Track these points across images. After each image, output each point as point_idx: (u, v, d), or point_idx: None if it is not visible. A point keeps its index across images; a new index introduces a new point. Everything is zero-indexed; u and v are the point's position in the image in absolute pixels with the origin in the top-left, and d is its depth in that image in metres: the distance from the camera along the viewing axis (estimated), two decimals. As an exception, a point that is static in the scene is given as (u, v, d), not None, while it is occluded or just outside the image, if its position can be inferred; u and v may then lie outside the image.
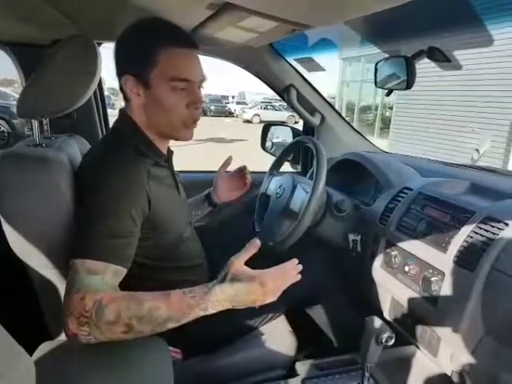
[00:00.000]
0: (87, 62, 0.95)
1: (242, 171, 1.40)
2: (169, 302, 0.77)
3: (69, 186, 0.84)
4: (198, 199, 1.40)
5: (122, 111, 1.00)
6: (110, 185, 0.83)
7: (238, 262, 0.82)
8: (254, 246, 0.85)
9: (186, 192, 1.17)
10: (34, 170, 0.81)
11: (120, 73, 0.93)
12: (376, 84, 1.40)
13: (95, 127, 1.66)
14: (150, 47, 0.89)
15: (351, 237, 1.30)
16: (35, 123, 0.93)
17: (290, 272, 0.86)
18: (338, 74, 16.13)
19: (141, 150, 0.94)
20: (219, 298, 0.79)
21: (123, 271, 0.82)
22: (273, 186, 1.48)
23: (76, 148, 1.09)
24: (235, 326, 1.15)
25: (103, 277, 0.77)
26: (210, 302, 0.78)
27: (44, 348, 0.80)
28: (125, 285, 0.84)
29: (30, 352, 0.69)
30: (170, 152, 1.10)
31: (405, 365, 1.16)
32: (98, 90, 1.68)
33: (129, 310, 0.74)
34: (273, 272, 0.84)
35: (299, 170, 1.95)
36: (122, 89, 0.96)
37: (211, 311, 0.80)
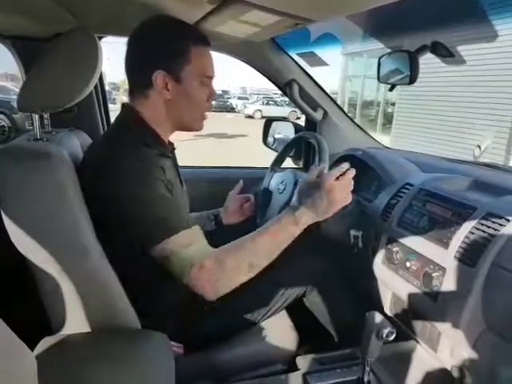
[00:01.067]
0: (88, 56, 0.94)
1: (247, 200, 1.43)
2: (265, 231, 0.93)
3: (70, 181, 0.84)
4: (204, 216, 1.42)
5: (126, 106, 1.01)
6: (137, 173, 0.87)
7: (306, 179, 1.00)
8: (340, 170, 0.99)
9: (188, 186, 1.17)
10: (35, 165, 0.81)
11: (149, 68, 0.95)
12: (379, 79, 1.39)
13: (96, 122, 1.65)
14: (183, 44, 0.95)
15: (352, 233, 1.30)
16: (36, 117, 0.92)
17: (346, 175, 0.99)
18: (341, 69, 16.07)
19: (146, 142, 0.95)
20: (301, 210, 0.94)
21: (199, 228, 0.93)
22: (274, 181, 1.48)
23: (77, 142, 1.09)
24: (236, 320, 1.15)
25: (197, 241, 0.89)
26: (295, 216, 0.93)
27: (45, 343, 0.80)
28: (131, 284, 0.86)
29: (32, 347, 0.69)
30: (172, 144, 1.12)
31: (405, 360, 1.16)
32: (98, 85, 1.68)
33: (242, 253, 0.90)
34: (331, 174, 0.97)
35: (301, 165, 1.95)
36: (139, 84, 0.98)
37: (301, 225, 0.94)
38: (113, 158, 0.89)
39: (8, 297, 1.14)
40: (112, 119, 1.66)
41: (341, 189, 0.96)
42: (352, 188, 1.00)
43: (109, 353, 0.78)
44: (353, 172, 1.00)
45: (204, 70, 0.99)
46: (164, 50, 0.95)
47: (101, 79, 1.70)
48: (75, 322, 0.89)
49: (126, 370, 0.76)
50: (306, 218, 0.94)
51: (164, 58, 0.95)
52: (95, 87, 1.64)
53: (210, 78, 1.02)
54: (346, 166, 1.02)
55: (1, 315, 0.41)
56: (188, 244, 0.86)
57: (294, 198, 1.00)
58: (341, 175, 0.98)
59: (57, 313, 0.90)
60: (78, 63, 0.93)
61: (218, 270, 0.86)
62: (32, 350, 0.51)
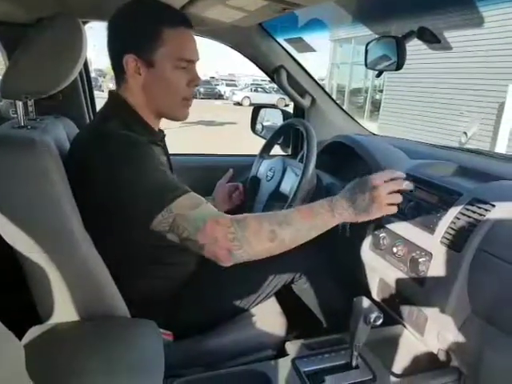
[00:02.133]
0: (72, 42, 0.92)
1: (236, 188, 1.42)
2: (299, 209, 0.89)
3: (56, 168, 0.83)
4: None
5: (112, 93, 0.99)
6: (125, 156, 0.84)
7: (375, 178, 0.94)
8: (393, 173, 0.96)
9: (178, 174, 1.17)
10: (19, 152, 0.80)
11: (119, 52, 0.92)
12: (366, 65, 1.39)
13: (81, 109, 1.62)
14: (156, 26, 0.91)
15: (340, 219, 1.30)
16: (20, 104, 0.90)
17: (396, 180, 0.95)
18: (329, 55, 16.01)
19: (134, 129, 0.93)
20: (340, 201, 0.91)
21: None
22: (263, 169, 1.48)
23: (62, 130, 1.07)
24: (226, 307, 1.16)
25: (204, 204, 0.83)
26: (335, 207, 0.90)
27: (33, 332, 0.80)
28: (119, 272, 0.86)
29: (20, 337, 0.69)
30: (162, 132, 1.10)
31: (392, 344, 1.18)
32: (83, 71, 1.64)
33: (267, 218, 0.85)
34: (381, 176, 0.95)
35: (289, 153, 1.95)
36: (116, 69, 0.95)
37: (337, 216, 0.90)
38: (99, 144, 0.87)
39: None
40: (98, 106, 1.64)
41: (386, 192, 0.92)
42: (401, 200, 0.96)
43: (97, 341, 0.78)
44: (409, 185, 0.97)
45: (180, 53, 0.94)
46: (134, 32, 0.92)
47: (86, 65, 1.66)
48: (63, 311, 0.89)
49: (115, 357, 0.76)
50: (342, 209, 0.90)
51: (134, 41, 0.92)
52: (80, 74, 1.61)
53: (190, 61, 0.96)
54: (401, 174, 0.98)
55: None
56: (194, 206, 0.81)
57: (343, 192, 0.95)
58: (392, 180, 0.95)
59: (45, 302, 0.89)
60: (62, 49, 0.91)
61: (236, 228, 0.80)
62: (20, 340, 0.51)
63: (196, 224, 0.79)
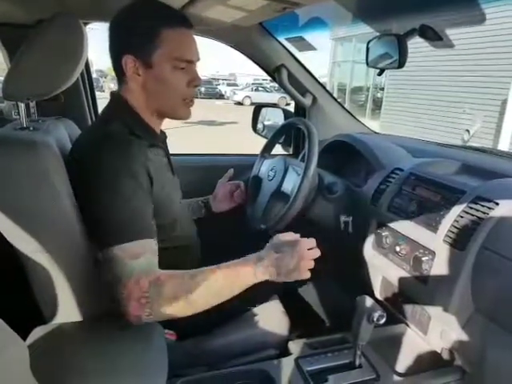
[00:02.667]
0: (73, 43, 0.92)
1: (237, 187, 1.42)
2: (219, 272, 0.84)
3: (57, 169, 0.83)
4: (195, 204, 1.41)
5: (114, 94, 0.99)
6: (118, 169, 0.84)
7: (281, 235, 0.92)
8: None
9: (179, 175, 1.17)
10: (21, 154, 0.80)
11: (118, 53, 0.92)
12: (367, 63, 1.39)
13: (83, 110, 1.62)
14: (154, 27, 0.90)
15: (343, 218, 1.30)
16: (22, 106, 0.90)
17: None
18: (330, 54, 15.99)
19: (136, 133, 0.93)
20: (265, 263, 0.86)
21: (156, 244, 0.86)
22: (264, 168, 1.48)
23: (64, 131, 1.07)
24: (229, 307, 1.15)
25: (146, 256, 0.80)
26: (257, 267, 0.86)
27: (37, 332, 0.80)
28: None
29: (24, 337, 0.69)
30: (164, 134, 1.10)
31: (396, 343, 1.18)
32: (85, 72, 1.65)
33: (185, 284, 0.81)
34: (307, 242, 0.91)
35: (291, 152, 1.94)
36: (116, 70, 0.95)
37: (260, 277, 0.87)
38: (95, 150, 0.86)
39: (-2, 288, 1.13)
40: (100, 107, 1.64)
41: (310, 259, 0.91)
42: (312, 266, 0.92)
43: (101, 341, 0.78)
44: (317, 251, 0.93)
45: (178, 53, 0.93)
46: (133, 33, 0.91)
47: (87, 66, 1.67)
48: (67, 312, 0.89)
49: (118, 358, 0.76)
50: (266, 273, 0.87)
51: (132, 42, 0.91)
52: (81, 75, 1.62)
53: (189, 61, 0.95)
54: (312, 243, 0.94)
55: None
56: (137, 255, 0.79)
57: (264, 248, 0.91)
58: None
59: (48, 302, 0.90)
60: (63, 50, 0.91)
61: (152, 293, 0.78)
62: (24, 340, 0.51)
63: (122, 276, 0.78)
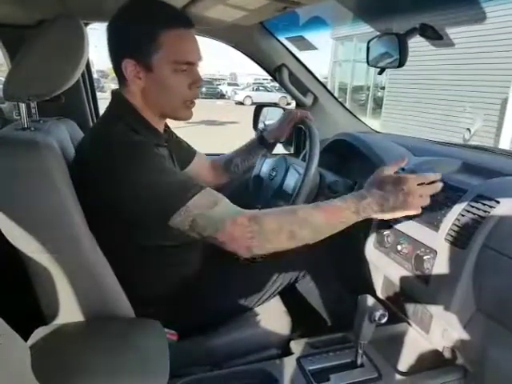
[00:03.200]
0: (74, 43, 0.92)
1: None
2: (321, 208, 0.87)
3: (59, 170, 0.83)
4: (249, 145, 1.43)
5: (116, 94, 0.98)
6: (131, 153, 0.84)
7: (386, 170, 0.94)
8: (402, 160, 0.99)
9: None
10: (23, 154, 0.80)
11: (118, 57, 0.91)
12: (368, 63, 1.38)
13: (84, 110, 1.63)
14: (152, 30, 0.88)
15: (344, 217, 1.30)
16: (22, 106, 0.91)
17: (431, 184, 0.94)
18: (331, 53, 15.98)
19: (137, 131, 0.93)
20: (368, 200, 0.89)
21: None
22: (266, 168, 1.48)
23: (65, 131, 1.08)
24: (230, 306, 1.16)
25: (224, 201, 0.83)
26: (360, 204, 0.88)
27: (39, 333, 0.80)
28: (124, 272, 0.85)
29: (25, 337, 0.69)
30: (169, 132, 1.11)
31: (397, 342, 1.18)
32: (86, 73, 1.65)
33: (286, 217, 0.84)
34: (417, 178, 0.92)
35: (292, 151, 1.94)
36: (117, 73, 0.94)
37: (363, 215, 0.89)
38: (104, 147, 0.86)
39: (0, 287, 1.13)
40: (100, 107, 1.64)
41: (419, 195, 0.92)
42: (428, 202, 0.95)
43: (103, 342, 0.78)
44: (440, 185, 0.96)
45: (179, 56, 0.91)
46: (132, 36, 0.89)
47: (88, 67, 1.67)
48: (68, 312, 0.89)
49: (120, 358, 0.76)
50: (369, 210, 0.90)
51: (132, 45, 0.90)
52: (82, 75, 1.62)
53: (190, 63, 0.93)
54: (437, 176, 0.98)
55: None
56: (212, 204, 0.81)
57: (365, 185, 0.94)
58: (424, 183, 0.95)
59: (50, 303, 0.90)
60: (63, 50, 0.91)
61: (254, 227, 0.80)
62: (26, 341, 0.51)
63: (215, 224, 0.80)
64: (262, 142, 1.42)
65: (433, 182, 0.97)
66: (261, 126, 1.90)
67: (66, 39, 0.91)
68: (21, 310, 0.93)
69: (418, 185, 0.92)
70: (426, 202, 0.95)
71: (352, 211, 0.88)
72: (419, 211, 0.95)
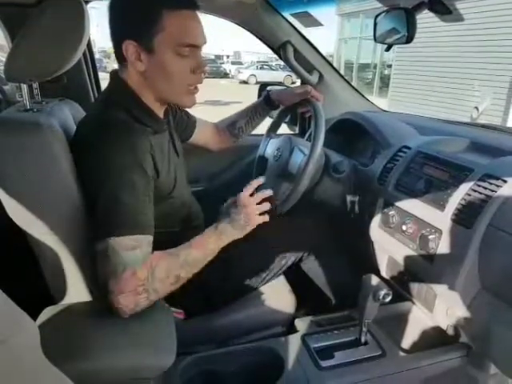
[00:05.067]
0: (74, 22, 0.90)
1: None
2: (192, 245, 0.91)
3: (62, 151, 0.83)
4: (255, 105, 1.46)
5: (114, 75, 0.95)
6: (117, 159, 0.82)
7: (240, 194, 0.99)
8: (256, 182, 1.03)
9: (185, 156, 1.16)
10: (26, 135, 0.80)
11: (119, 38, 0.88)
12: (375, 39, 1.35)
13: (86, 91, 1.61)
14: (155, 10, 0.84)
15: (349, 198, 1.30)
16: (24, 87, 0.90)
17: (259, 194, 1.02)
18: (336, 30, 15.66)
19: (139, 118, 0.91)
20: (222, 226, 0.96)
21: (152, 238, 0.85)
22: (270, 148, 1.47)
23: (68, 112, 1.07)
24: (236, 286, 1.17)
25: (141, 249, 0.81)
26: (217, 231, 0.95)
27: (47, 313, 0.81)
28: None
29: (34, 317, 0.70)
30: (167, 114, 1.07)
31: (401, 320, 1.19)
32: (87, 53, 1.63)
33: (172, 264, 0.86)
34: (245, 192, 1.00)
35: (297, 131, 1.93)
36: (117, 54, 0.92)
37: (224, 239, 0.96)
38: (100, 139, 0.84)
39: (9, 269, 1.15)
40: (103, 87, 1.63)
41: (254, 204, 1.00)
42: (269, 207, 1.03)
43: (110, 320, 0.79)
44: (268, 192, 1.04)
45: (182, 38, 0.87)
46: (133, 16, 0.87)
47: (89, 47, 1.65)
48: (75, 292, 0.91)
49: (128, 336, 0.77)
50: (228, 233, 0.97)
51: (133, 27, 0.87)
52: (84, 55, 1.60)
53: (194, 46, 0.89)
54: (260, 180, 1.06)
55: (2, 287, 0.41)
56: (133, 247, 0.79)
57: (222, 216, 1.01)
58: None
59: (57, 283, 0.91)
60: (64, 29, 0.89)
61: (149, 281, 0.80)
62: (34, 321, 0.52)
63: (117, 267, 0.77)
64: (268, 103, 1.42)
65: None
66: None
67: (67, 18, 0.89)
68: (29, 291, 0.94)
69: (251, 195, 1.00)
70: (264, 208, 1.02)
71: (214, 239, 0.94)
72: (266, 218, 1.03)
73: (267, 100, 1.42)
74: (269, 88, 1.78)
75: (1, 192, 0.80)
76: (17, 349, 0.40)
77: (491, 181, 0.93)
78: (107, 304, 0.79)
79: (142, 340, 0.77)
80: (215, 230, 0.96)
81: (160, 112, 1.00)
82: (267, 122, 1.58)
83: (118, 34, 0.89)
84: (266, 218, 1.02)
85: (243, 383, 1.04)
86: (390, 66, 12.54)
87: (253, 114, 1.44)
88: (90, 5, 1.55)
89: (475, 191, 0.94)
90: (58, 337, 0.73)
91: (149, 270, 0.81)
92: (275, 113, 1.59)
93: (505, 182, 0.90)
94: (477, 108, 8.36)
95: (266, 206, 1.02)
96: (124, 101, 0.93)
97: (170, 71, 0.90)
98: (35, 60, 0.88)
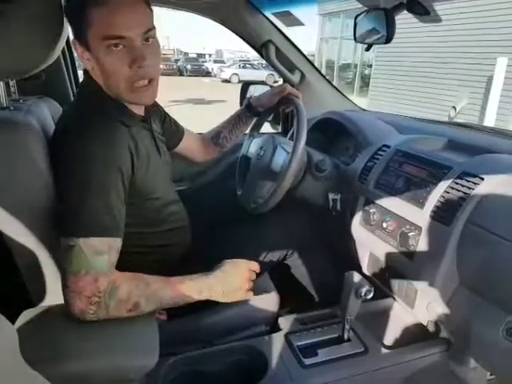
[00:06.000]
0: (51, 20, 0.88)
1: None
2: (171, 284, 0.86)
3: (40, 150, 0.81)
4: (237, 114, 1.44)
5: (86, 73, 0.94)
6: (92, 157, 0.80)
7: (228, 261, 0.95)
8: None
9: (171, 155, 1.16)
10: (2, 135, 0.78)
11: (74, 37, 0.89)
12: (355, 39, 1.37)
13: (65, 88, 1.59)
14: (84, 7, 0.82)
15: (331, 196, 1.31)
16: (1, 85, 0.88)
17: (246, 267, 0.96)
18: (317, 30, 15.75)
19: (113, 114, 0.90)
20: (211, 281, 0.90)
21: (120, 241, 0.84)
22: (253, 147, 1.47)
23: (46, 111, 1.05)
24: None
25: (110, 255, 0.79)
26: (204, 284, 0.89)
27: (25, 315, 0.80)
28: None
29: (12, 321, 0.69)
30: (149, 111, 1.04)
31: (383, 317, 1.21)
32: (66, 50, 1.60)
33: (138, 289, 0.81)
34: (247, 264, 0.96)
35: (280, 130, 1.93)
36: None
37: (204, 294, 0.89)
38: (73, 135, 0.83)
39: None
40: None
41: (250, 280, 0.95)
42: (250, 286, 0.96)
43: (90, 323, 0.78)
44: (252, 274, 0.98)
45: (106, 30, 0.82)
46: (72, 17, 0.86)
47: (68, 44, 1.62)
48: (55, 294, 0.89)
49: (108, 338, 0.77)
50: (212, 291, 0.90)
51: (73, 27, 0.87)
52: (63, 53, 1.57)
53: (121, 37, 0.83)
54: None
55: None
56: (101, 252, 0.78)
57: (212, 271, 0.94)
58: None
59: (35, 285, 0.89)
60: (41, 26, 0.87)
61: (105, 294, 0.77)
62: (12, 324, 0.51)
63: (80, 269, 0.76)
64: (250, 110, 1.42)
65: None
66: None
67: (43, 15, 0.87)
68: (8, 294, 0.92)
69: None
70: (250, 285, 0.96)
71: (196, 291, 0.88)
72: (250, 296, 0.97)
73: (249, 107, 1.42)
74: (251, 87, 1.79)
75: None
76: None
77: (469, 178, 0.95)
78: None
79: (124, 341, 0.77)
80: (202, 283, 0.90)
81: (136, 108, 0.97)
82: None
83: (73, 34, 0.89)
84: (251, 295, 0.96)
85: (227, 383, 1.04)
86: (370, 66, 12.69)
87: (236, 123, 1.43)
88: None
89: (453, 189, 0.96)
90: (38, 340, 0.72)
91: (110, 285, 0.78)
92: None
93: (482, 179, 0.92)
94: (454, 107, 8.53)
95: (251, 283, 0.97)
96: (94, 95, 0.92)
97: (106, 67, 0.86)
98: (12, 57, 0.85)
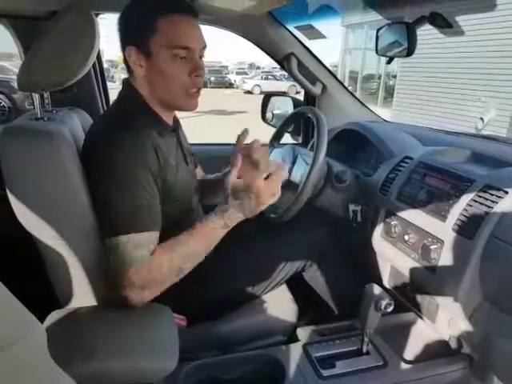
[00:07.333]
0: (85, 34, 0.93)
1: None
2: (195, 235, 0.91)
3: (72, 158, 0.85)
4: (216, 180, 1.35)
5: (126, 82, 1.00)
6: (125, 159, 0.86)
7: (231, 180, 0.94)
8: (235, 158, 0.95)
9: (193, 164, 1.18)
10: (37, 144, 0.82)
11: (124, 45, 0.94)
12: (377, 52, 1.38)
13: (95, 100, 1.64)
14: (150, 15, 0.90)
15: (351, 207, 1.31)
16: (36, 97, 0.93)
17: (275, 173, 0.94)
18: (341, 41, 15.77)
19: (145, 122, 0.94)
20: (230, 212, 0.92)
21: (158, 233, 0.90)
22: (273, 158, 1.48)
23: (77, 121, 1.09)
24: (238, 294, 1.18)
25: (148, 247, 0.87)
26: (225, 218, 0.92)
27: (54, 316, 0.83)
28: None
29: (41, 321, 0.71)
30: (177, 122, 1.11)
31: (403, 331, 1.19)
32: (96, 63, 1.66)
33: (178, 256, 0.89)
34: (259, 176, 0.92)
35: (300, 141, 1.94)
36: (124, 61, 0.96)
37: (230, 225, 0.94)
38: (107, 141, 0.88)
39: (16, 272, 1.16)
40: (111, 97, 1.65)
41: (268, 189, 0.92)
42: (278, 187, 0.94)
43: (114, 326, 0.81)
44: (284, 172, 1.00)
45: (174, 40, 0.90)
46: (131, 23, 0.93)
47: (99, 57, 1.68)
48: (82, 296, 0.92)
49: (131, 341, 0.78)
50: (234, 219, 0.93)
51: (133, 32, 0.92)
52: (93, 65, 1.63)
53: (187, 48, 0.92)
54: (278, 163, 1.00)
55: (10, 290, 0.42)
56: (141, 246, 0.85)
57: (227, 199, 0.94)
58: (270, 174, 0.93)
59: (63, 288, 0.92)
60: (75, 41, 0.93)
61: (152, 277, 0.87)
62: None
63: (123, 265, 0.84)
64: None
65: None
66: (269, 115, 1.90)
67: (78, 30, 0.93)
68: (36, 294, 0.95)
69: (265, 178, 0.91)
70: (278, 192, 0.94)
71: (221, 227, 0.93)
72: (276, 197, 0.95)
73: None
74: (272, 99, 1.81)
75: (11, 197, 0.82)
76: (26, 351, 0.41)
77: (492, 192, 0.93)
78: (118, 299, 0.85)
79: (146, 344, 0.78)
80: (222, 218, 0.92)
81: (168, 118, 1.04)
82: (271, 130, 1.60)
83: (123, 42, 0.94)
84: (277, 196, 0.95)
85: (244, 391, 1.04)
86: (394, 77, 12.58)
87: (214, 191, 1.34)
88: (100, 16, 1.58)
89: (476, 202, 0.95)
90: (65, 340, 0.74)
91: (154, 266, 0.86)
92: (279, 123, 1.61)
93: (506, 193, 0.91)
94: (482, 119, 8.34)
95: (279, 181, 0.95)
96: (130, 104, 0.97)
97: (167, 73, 0.93)
98: (47, 71, 0.90)
